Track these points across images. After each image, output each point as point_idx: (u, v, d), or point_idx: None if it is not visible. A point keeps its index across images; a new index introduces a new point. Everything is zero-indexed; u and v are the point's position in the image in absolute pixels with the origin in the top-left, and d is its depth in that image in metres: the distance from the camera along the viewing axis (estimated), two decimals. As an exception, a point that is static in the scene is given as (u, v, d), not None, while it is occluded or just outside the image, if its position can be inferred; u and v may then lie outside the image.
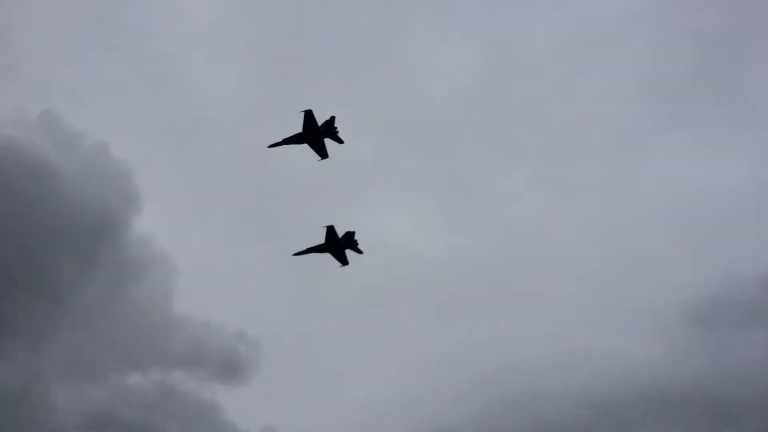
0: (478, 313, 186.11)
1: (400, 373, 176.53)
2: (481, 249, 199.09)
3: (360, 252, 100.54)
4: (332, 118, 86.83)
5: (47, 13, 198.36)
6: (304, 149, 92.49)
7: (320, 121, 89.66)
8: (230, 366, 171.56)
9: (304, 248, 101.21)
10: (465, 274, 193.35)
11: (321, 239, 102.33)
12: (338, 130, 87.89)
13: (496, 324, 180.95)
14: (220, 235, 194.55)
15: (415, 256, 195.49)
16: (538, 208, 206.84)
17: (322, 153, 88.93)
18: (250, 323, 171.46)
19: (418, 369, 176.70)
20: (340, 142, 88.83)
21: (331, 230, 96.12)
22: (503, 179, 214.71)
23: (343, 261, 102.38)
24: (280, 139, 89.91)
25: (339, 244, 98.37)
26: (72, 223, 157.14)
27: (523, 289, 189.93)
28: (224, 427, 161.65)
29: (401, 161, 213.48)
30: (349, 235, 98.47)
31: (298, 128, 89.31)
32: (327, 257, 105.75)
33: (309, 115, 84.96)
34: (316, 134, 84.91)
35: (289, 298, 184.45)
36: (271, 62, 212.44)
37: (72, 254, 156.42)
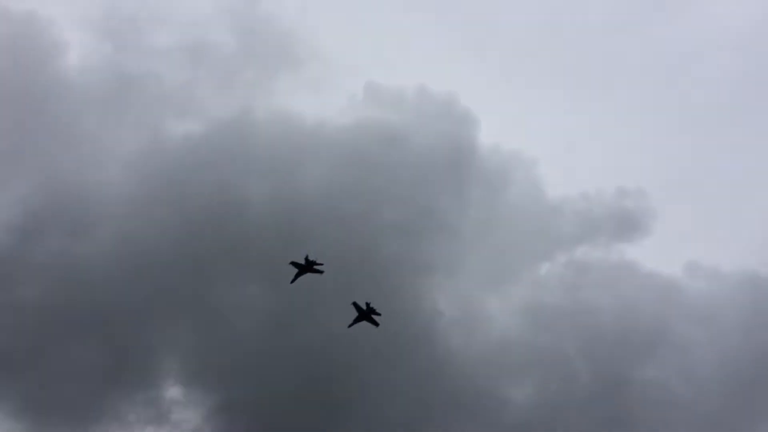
0: None
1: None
2: None
3: (379, 314, 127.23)
4: (306, 256, 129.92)
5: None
6: None
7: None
8: (625, 223, 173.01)
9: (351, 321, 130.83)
10: None
11: None
12: (314, 259, 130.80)
13: None
14: (553, 112, 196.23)
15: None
16: None
17: (319, 271, 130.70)
18: (626, 177, 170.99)
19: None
20: (321, 264, 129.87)
21: (356, 304, 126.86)
22: None
23: (375, 324, 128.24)
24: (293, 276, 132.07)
25: (366, 312, 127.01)
26: (432, 164, 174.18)
27: None
28: (649, 277, 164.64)
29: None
30: (368, 305, 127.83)
31: None
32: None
33: (294, 262, 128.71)
34: (307, 268, 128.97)
35: (654, 141, 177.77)
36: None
37: (444, 188, 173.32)
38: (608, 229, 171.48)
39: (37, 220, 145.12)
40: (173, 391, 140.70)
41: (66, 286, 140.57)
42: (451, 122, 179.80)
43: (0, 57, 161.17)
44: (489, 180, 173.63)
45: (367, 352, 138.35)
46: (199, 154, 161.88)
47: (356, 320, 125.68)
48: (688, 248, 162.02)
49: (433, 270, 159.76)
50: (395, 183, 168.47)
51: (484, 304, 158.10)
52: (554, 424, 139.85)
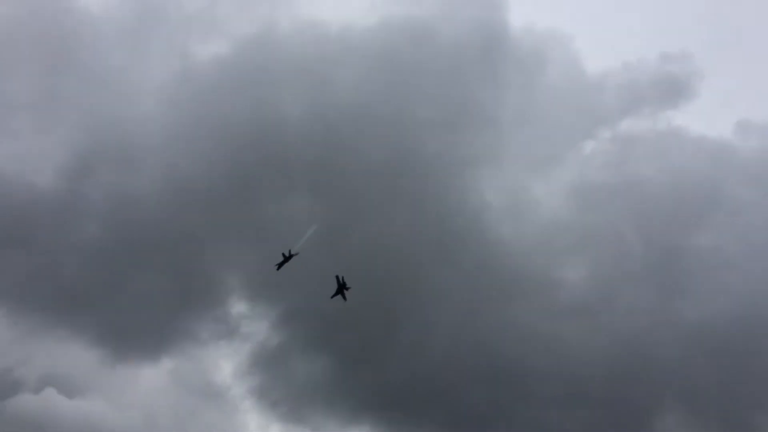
0: None
1: None
2: None
3: (348, 289, 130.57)
4: (283, 253, 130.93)
5: None
6: None
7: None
8: (671, 89, 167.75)
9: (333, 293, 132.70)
10: None
11: None
12: (289, 252, 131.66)
13: None
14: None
15: None
16: None
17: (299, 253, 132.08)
18: (668, 41, 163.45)
19: None
20: (297, 253, 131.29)
21: (337, 278, 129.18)
22: None
23: (344, 298, 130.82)
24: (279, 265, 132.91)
25: (341, 285, 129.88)
26: (464, 54, 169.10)
27: None
28: (698, 142, 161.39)
29: None
30: (342, 278, 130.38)
31: None
32: None
33: (277, 263, 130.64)
34: (287, 259, 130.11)
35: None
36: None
37: (479, 77, 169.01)
38: (653, 98, 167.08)
39: (84, 160, 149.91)
40: (239, 306, 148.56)
41: (123, 220, 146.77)
42: (479, 7, 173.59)
43: (21, 6, 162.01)
44: (524, 63, 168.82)
45: (422, 250, 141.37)
46: (229, 74, 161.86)
47: (336, 292, 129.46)
48: (737, 107, 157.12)
49: (476, 162, 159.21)
50: (428, 78, 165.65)
51: (530, 189, 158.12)
52: (611, 299, 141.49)
